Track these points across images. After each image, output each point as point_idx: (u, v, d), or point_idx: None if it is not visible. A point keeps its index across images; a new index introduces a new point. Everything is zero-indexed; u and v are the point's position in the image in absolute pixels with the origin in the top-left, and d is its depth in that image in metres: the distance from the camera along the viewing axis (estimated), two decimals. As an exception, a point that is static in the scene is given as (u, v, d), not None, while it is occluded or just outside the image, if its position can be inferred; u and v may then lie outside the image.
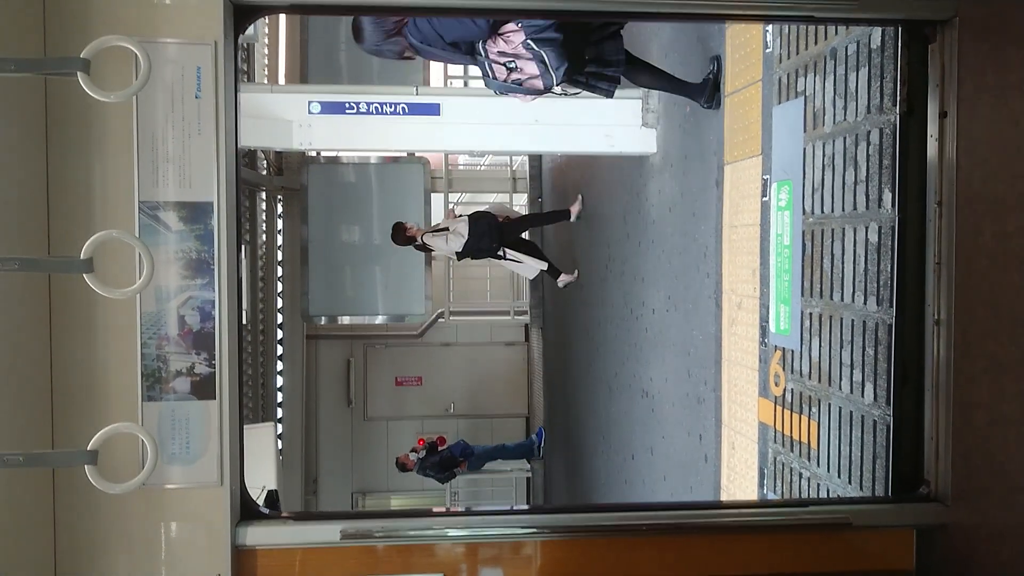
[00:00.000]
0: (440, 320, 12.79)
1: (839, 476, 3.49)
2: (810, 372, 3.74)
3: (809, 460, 3.76)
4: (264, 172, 10.48)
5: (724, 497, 4.86)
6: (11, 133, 2.21)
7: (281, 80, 10.78)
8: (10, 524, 2.17)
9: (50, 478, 2.25)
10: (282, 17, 10.00)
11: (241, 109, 2.38)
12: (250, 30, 2.52)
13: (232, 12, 2.28)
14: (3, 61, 1.81)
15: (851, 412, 3.39)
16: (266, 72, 10.41)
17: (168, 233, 2.25)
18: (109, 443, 1.92)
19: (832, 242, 3.56)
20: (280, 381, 11.22)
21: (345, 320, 11.64)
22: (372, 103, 6.37)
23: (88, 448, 1.88)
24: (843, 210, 3.46)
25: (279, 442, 10.34)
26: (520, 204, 13.46)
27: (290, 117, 6.34)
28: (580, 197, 8.86)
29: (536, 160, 12.49)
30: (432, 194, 10.73)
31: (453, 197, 12.74)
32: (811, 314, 3.73)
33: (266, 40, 10.32)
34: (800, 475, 3.84)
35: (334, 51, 10.14)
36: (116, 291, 1.92)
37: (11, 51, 2.10)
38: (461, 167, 13.58)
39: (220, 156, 2.25)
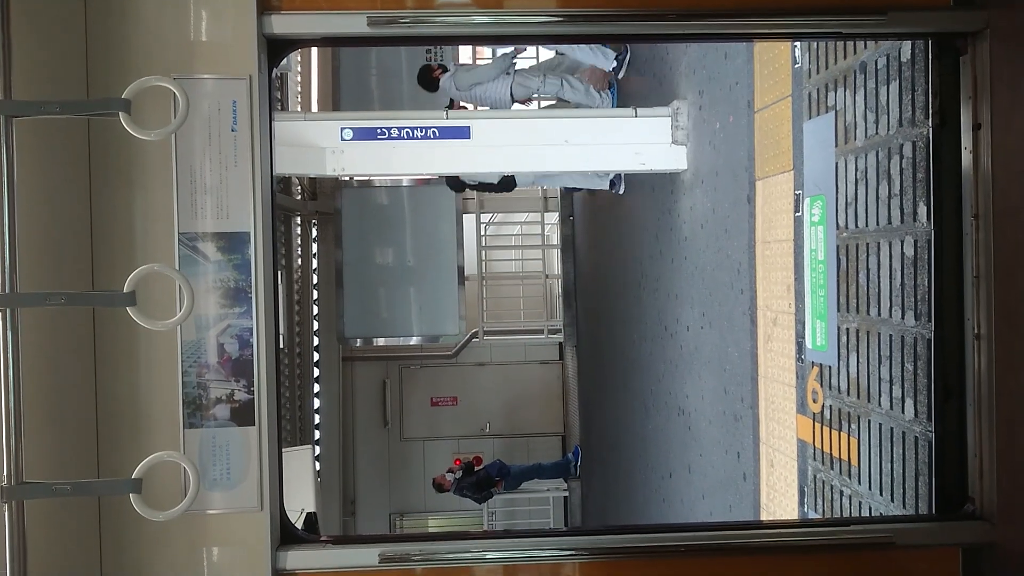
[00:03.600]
0: (474, 340, 12.83)
1: (881, 494, 3.43)
2: (848, 388, 3.69)
3: (850, 478, 3.70)
4: (298, 197, 10.64)
5: (764, 515, 4.80)
6: (56, 172, 2.28)
7: (314, 108, 10.96)
8: (59, 551, 2.22)
9: (96, 506, 2.30)
10: (314, 47, 10.17)
11: (275, 138, 2.44)
12: (283, 61, 2.58)
13: (266, 47, 2.34)
14: (48, 103, 1.88)
15: (892, 428, 3.34)
16: (299, 100, 10.60)
17: (207, 263, 2.30)
18: (153, 471, 1.96)
19: (867, 256, 3.52)
20: (317, 404, 11.31)
21: (380, 342, 11.73)
22: (403, 128, 6.44)
23: (133, 477, 1.92)
24: (877, 224, 3.43)
25: (317, 464, 10.41)
26: (551, 223, 13.50)
27: (323, 144, 6.44)
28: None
29: (567, 179, 12.51)
30: (464, 215, 10.81)
31: (485, 218, 12.81)
32: (848, 329, 3.68)
33: (299, 69, 10.51)
34: (841, 493, 3.79)
35: (365, 78, 10.29)
36: (158, 323, 1.97)
37: (56, 94, 2.18)
38: (492, 188, 13.64)
39: (256, 187, 2.30)
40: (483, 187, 8.79)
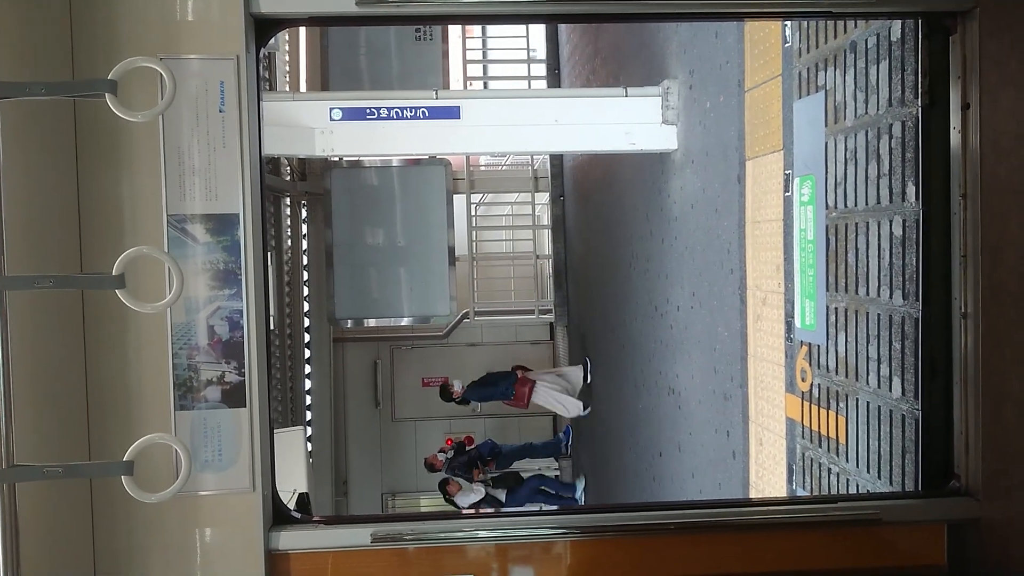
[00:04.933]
0: (465, 320, 12.83)
1: (868, 471, 3.47)
2: (837, 367, 3.72)
3: (838, 455, 3.74)
4: (288, 178, 10.58)
5: (753, 493, 4.84)
6: (43, 154, 2.26)
7: (302, 88, 10.87)
8: (51, 533, 2.23)
9: (88, 488, 2.30)
10: (302, 27, 10.05)
11: (264, 118, 2.42)
12: (271, 41, 2.56)
13: (253, 26, 2.32)
14: (34, 85, 1.86)
15: (879, 407, 3.37)
16: (288, 80, 10.51)
17: (196, 245, 2.29)
18: (144, 453, 1.96)
19: (856, 236, 3.53)
20: (308, 384, 11.31)
21: (371, 322, 11.71)
22: (393, 108, 6.41)
23: (124, 459, 1.92)
24: (866, 204, 3.44)
25: (309, 445, 10.42)
26: (542, 203, 13.47)
27: (312, 124, 6.40)
28: None
29: (557, 159, 12.48)
30: (454, 195, 10.76)
31: (475, 198, 12.77)
32: (836, 309, 3.71)
33: (287, 49, 10.41)
34: (829, 471, 3.82)
35: (354, 58, 10.20)
36: (148, 306, 1.96)
37: (41, 75, 2.16)
38: (483, 167, 13.61)
39: (245, 168, 2.29)
40: None
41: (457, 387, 10.47)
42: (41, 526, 2.15)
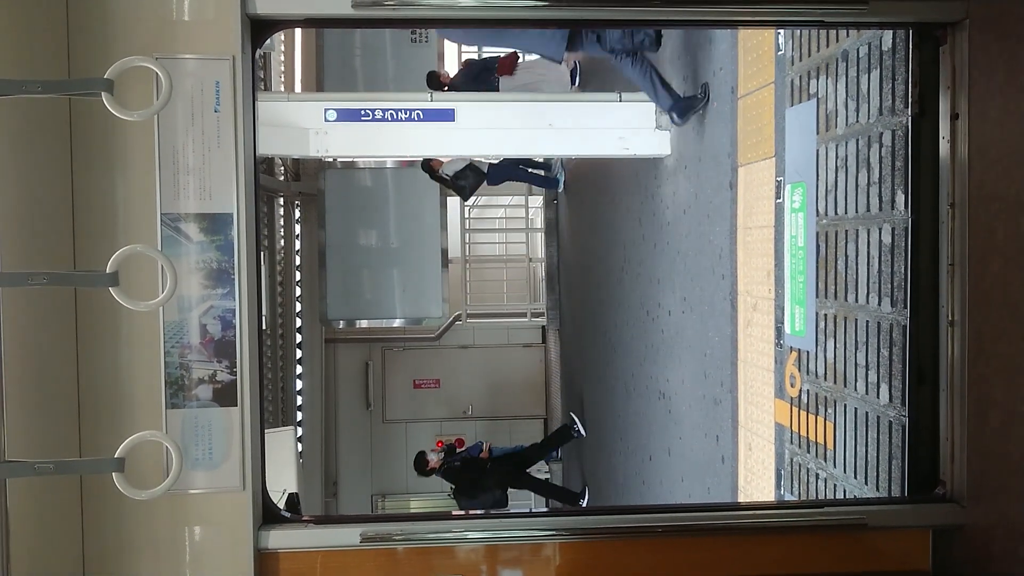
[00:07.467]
0: (457, 323, 12.84)
1: (855, 477, 3.49)
2: (825, 373, 3.74)
3: (825, 461, 3.76)
4: (282, 178, 10.57)
5: (741, 498, 4.86)
6: (37, 152, 2.27)
7: (297, 88, 10.87)
8: (40, 530, 2.23)
9: (78, 485, 2.30)
10: (298, 28, 10.04)
11: (258, 118, 2.43)
12: (267, 41, 2.58)
13: (249, 27, 2.33)
14: (30, 83, 1.87)
15: (867, 413, 3.39)
16: (283, 81, 10.51)
17: (189, 244, 2.30)
18: (135, 450, 1.97)
19: (846, 243, 3.56)
20: (299, 385, 11.30)
21: (363, 323, 11.71)
22: (387, 110, 6.42)
23: (115, 456, 1.93)
24: (856, 211, 3.47)
25: (299, 445, 10.41)
26: (536, 206, 13.49)
27: (307, 125, 6.40)
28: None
29: (551, 162, 12.50)
30: (448, 197, 10.78)
31: (469, 199, 12.78)
32: (826, 315, 3.73)
33: (282, 49, 10.42)
34: (816, 476, 3.85)
35: (349, 59, 10.21)
36: (141, 304, 1.97)
37: (37, 73, 2.16)
38: (477, 170, 13.62)
39: (239, 168, 2.30)
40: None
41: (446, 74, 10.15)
42: (31, 522, 2.15)
